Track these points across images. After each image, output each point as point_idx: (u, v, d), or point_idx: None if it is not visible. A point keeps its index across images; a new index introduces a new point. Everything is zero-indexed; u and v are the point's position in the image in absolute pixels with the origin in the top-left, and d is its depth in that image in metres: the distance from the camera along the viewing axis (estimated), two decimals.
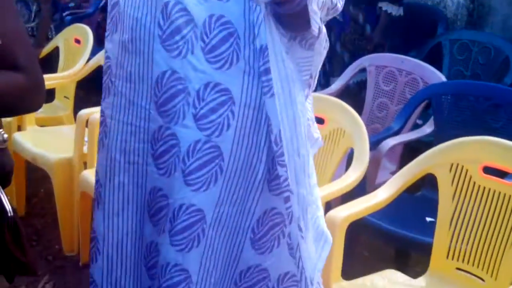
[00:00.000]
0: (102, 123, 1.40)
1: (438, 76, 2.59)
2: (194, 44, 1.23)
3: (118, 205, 1.41)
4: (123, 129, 1.36)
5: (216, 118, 1.24)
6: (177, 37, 1.23)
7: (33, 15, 3.46)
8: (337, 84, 2.90)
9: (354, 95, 3.09)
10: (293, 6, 1.18)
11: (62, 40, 3.52)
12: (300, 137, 1.32)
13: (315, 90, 3.01)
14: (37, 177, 3.02)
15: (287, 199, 1.28)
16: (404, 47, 3.12)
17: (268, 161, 1.29)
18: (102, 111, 1.40)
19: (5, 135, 1.30)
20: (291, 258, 1.33)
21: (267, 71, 1.23)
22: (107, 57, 1.37)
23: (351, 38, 3.24)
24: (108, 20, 1.37)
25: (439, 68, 2.84)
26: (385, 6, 3.18)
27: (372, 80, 2.84)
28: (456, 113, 2.36)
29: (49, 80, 3.13)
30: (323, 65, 3.41)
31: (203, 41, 1.23)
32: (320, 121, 2.19)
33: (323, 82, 3.27)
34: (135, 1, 1.28)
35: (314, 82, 1.40)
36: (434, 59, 3.01)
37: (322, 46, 1.33)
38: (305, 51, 1.32)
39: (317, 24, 1.23)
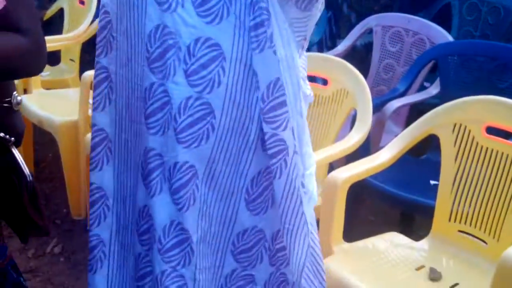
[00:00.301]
0: (107, 78, 1.37)
1: (445, 36, 2.54)
2: None
3: (125, 164, 1.41)
4: (126, 85, 1.34)
5: (207, 74, 1.23)
6: None
7: None
8: (344, 45, 2.86)
9: (361, 57, 3.06)
10: None
11: (66, 2, 3.50)
12: (299, 97, 1.32)
13: (321, 52, 3.00)
14: (45, 141, 3.04)
15: (272, 156, 1.28)
16: (413, 8, 3.06)
17: (260, 120, 1.27)
18: (105, 67, 1.37)
19: (19, 98, 1.32)
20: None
21: (257, 26, 1.20)
22: (105, 12, 1.34)
23: None
24: None
25: (448, 29, 2.79)
26: None
27: (379, 40, 2.79)
28: (462, 74, 2.33)
29: (54, 41, 3.12)
30: (330, 27, 3.38)
31: None
32: (324, 82, 2.18)
33: (330, 45, 3.23)
34: None
35: (307, 44, 1.38)
36: (443, 20, 2.95)
37: (318, 8, 1.31)
38: (300, 12, 1.28)
39: None
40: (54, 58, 3.42)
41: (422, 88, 2.61)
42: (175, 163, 1.26)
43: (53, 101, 2.87)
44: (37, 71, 1.26)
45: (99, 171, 1.44)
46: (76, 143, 2.54)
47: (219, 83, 1.23)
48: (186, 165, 1.26)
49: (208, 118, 1.25)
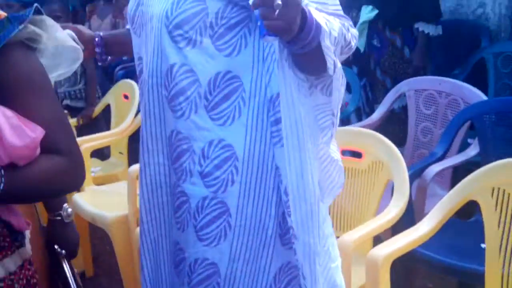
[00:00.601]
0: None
1: (478, 95, 2.51)
2: (198, 103, 1.25)
3: (157, 255, 1.43)
4: (152, 188, 1.38)
5: (221, 175, 1.26)
6: (181, 99, 1.26)
7: (79, 77, 3.60)
8: (379, 112, 2.85)
9: (399, 120, 3.04)
10: (306, 43, 1.13)
11: (112, 98, 3.64)
12: (307, 183, 1.29)
13: (360, 120, 3.01)
14: (103, 235, 3.07)
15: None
16: (447, 67, 3.05)
17: (278, 215, 1.29)
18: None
19: (70, 210, 1.37)
20: None
21: (278, 121, 1.23)
22: None
23: (390, 62, 3.20)
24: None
25: (485, 84, 2.76)
26: (421, 27, 3.12)
27: (413, 104, 2.79)
28: (500, 131, 2.28)
29: (102, 138, 3.24)
30: (366, 93, 3.38)
31: (207, 99, 1.25)
32: (358, 155, 2.18)
33: (368, 111, 3.23)
34: (147, 63, 1.30)
35: (337, 119, 1.37)
36: (480, 75, 2.93)
37: (340, 82, 1.30)
38: (326, 98, 1.31)
39: (332, 59, 1.18)
40: (104, 153, 3.55)
41: (464, 145, 2.56)
42: (196, 259, 1.30)
43: (105, 197, 2.93)
44: (75, 188, 1.29)
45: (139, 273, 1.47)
46: (128, 237, 2.55)
47: (233, 182, 1.26)
48: (206, 261, 1.29)
49: (224, 217, 1.28)
